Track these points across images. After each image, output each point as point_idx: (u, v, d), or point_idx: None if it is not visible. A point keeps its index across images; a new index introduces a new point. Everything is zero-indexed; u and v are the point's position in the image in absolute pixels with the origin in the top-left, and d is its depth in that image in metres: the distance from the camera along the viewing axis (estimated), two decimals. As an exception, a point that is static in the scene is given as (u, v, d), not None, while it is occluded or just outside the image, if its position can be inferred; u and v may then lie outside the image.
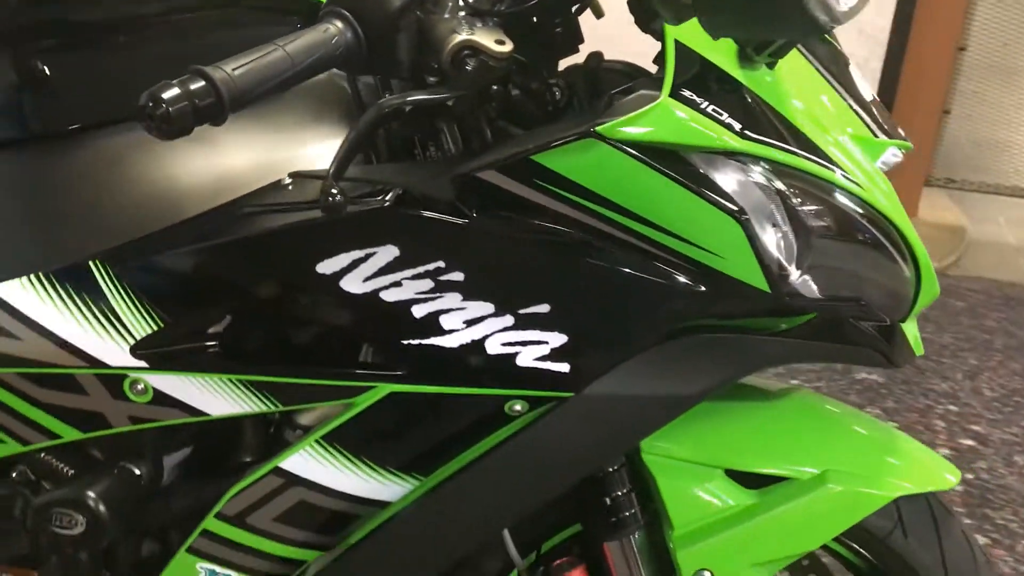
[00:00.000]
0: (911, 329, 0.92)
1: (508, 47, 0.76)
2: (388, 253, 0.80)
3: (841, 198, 0.83)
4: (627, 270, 0.80)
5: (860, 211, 0.83)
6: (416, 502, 0.89)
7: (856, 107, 0.90)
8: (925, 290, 0.88)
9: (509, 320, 0.81)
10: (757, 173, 0.79)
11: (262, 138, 0.92)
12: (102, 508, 0.88)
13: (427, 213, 0.80)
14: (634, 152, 0.76)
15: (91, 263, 0.86)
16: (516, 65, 0.83)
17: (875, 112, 0.91)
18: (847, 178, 0.82)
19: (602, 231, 0.79)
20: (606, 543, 0.94)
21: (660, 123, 0.75)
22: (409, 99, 0.77)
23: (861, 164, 0.85)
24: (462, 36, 0.75)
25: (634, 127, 0.75)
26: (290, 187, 0.89)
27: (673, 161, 0.77)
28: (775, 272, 0.79)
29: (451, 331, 0.81)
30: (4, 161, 0.93)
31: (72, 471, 0.94)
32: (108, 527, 0.88)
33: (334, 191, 0.73)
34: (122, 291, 0.86)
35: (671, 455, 0.91)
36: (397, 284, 0.81)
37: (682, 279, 0.80)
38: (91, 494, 0.88)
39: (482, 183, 0.79)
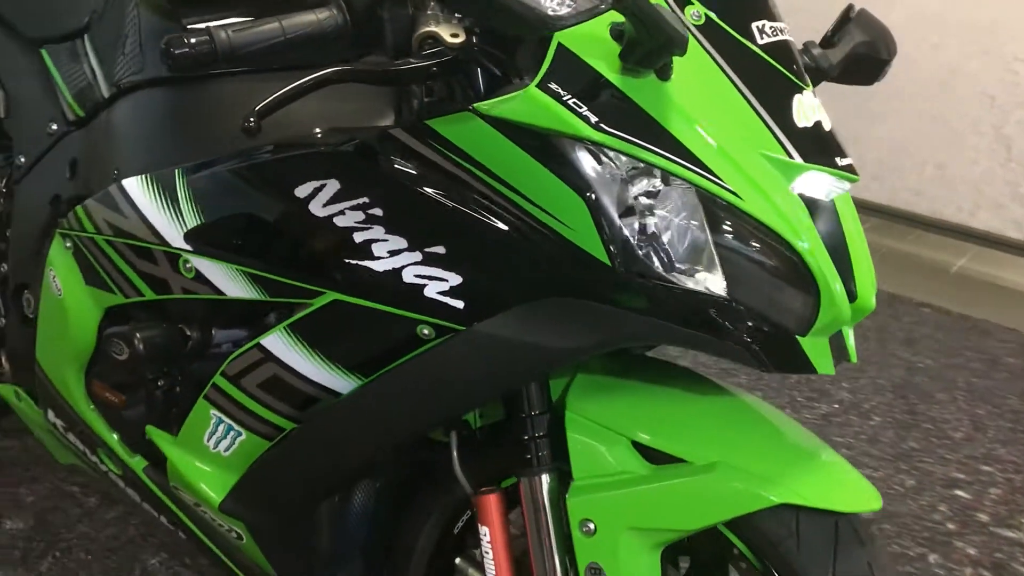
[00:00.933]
0: (838, 339, 1.00)
1: (461, 39, 0.92)
2: (333, 186, 1.02)
3: (702, 199, 0.92)
4: (503, 228, 0.95)
5: (728, 215, 0.92)
6: (355, 394, 1.10)
7: (776, 129, 0.95)
8: (825, 310, 0.93)
9: (418, 256, 0.98)
10: (608, 161, 0.91)
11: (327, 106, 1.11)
12: (140, 345, 1.21)
13: (357, 158, 1.03)
14: (503, 129, 0.92)
15: (176, 171, 1.17)
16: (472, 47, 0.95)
17: (803, 138, 0.96)
18: (716, 183, 0.90)
19: (481, 191, 0.95)
20: (520, 477, 1.07)
21: (524, 107, 0.90)
22: (356, 69, 0.97)
23: (756, 180, 0.92)
24: (427, 28, 0.93)
25: (502, 108, 0.91)
26: (318, 134, 1.09)
27: (535, 140, 0.91)
28: (616, 249, 0.91)
29: (379, 258, 1.00)
30: (144, 95, 1.29)
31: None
32: (142, 359, 1.22)
33: (251, 119, 0.94)
34: (187, 193, 1.16)
35: (587, 415, 1.03)
36: (342, 212, 1.01)
37: (544, 244, 0.93)
38: (137, 334, 1.22)
39: (395, 138, 0.99)
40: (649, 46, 0.85)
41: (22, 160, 1.52)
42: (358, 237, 1.01)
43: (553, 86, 0.90)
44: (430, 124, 0.96)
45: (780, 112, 0.96)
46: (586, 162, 0.91)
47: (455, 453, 1.11)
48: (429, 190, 0.98)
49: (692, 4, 0.97)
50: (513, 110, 0.91)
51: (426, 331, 1.01)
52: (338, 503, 1.29)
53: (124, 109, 1.31)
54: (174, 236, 1.17)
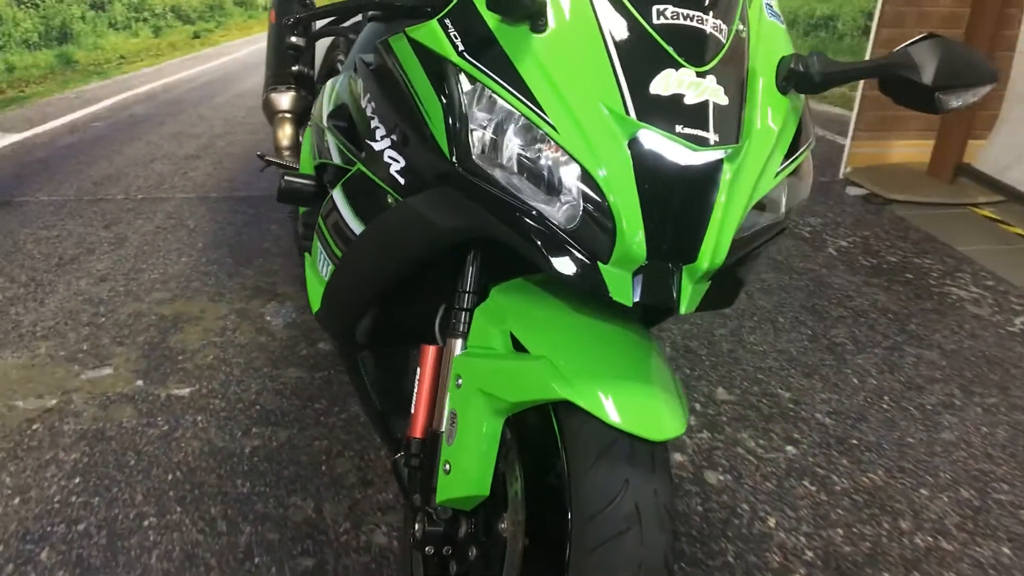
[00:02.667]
0: (664, 281, 1.11)
1: None
2: (367, 86, 1.45)
3: (527, 126, 1.12)
4: (418, 125, 1.24)
5: (546, 144, 1.11)
6: (359, 237, 1.46)
7: (625, 90, 1.09)
8: (619, 243, 1.08)
9: (387, 142, 1.35)
10: (465, 81, 1.15)
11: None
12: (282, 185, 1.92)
13: (360, 57, 1.51)
14: (416, 49, 1.24)
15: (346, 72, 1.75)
16: None
17: (652, 103, 1.09)
18: (539, 115, 1.10)
19: (408, 95, 1.25)
20: (446, 338, 1.33)
21: (425, 33, 1.22)
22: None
23: (580, 121, 1.09)
24: None
25: (415, 33, 1.24)
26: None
27: (429, 59, 1.21)
28: (454, 147, 1.16)
29: (377, 140, 1.38)
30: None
31: None
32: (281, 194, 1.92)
33: (291, 19, 1.60)
34: (334, 88, 1.81)
35: (495, 306, 1.26)
36: (368, 103, 1.43)
37: (428, 137, 1.21)
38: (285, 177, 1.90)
39: (378, 51, 1.38)
40: (506, 3, 1.08)
41: None
42: (372, 123, 1.40)
43: (447, 22, 1.19)
44: (389, 41, 1.32)
45: (639, 77, 1.10)
46: (451, 79, 1.17)
47: (438, 318, 1.44)
48: (390, 91, 1.34)
49: None
50: (420, 35, 1.23)
51: (389, 199, 1.37)
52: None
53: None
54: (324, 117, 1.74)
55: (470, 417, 1.22)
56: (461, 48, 1.16)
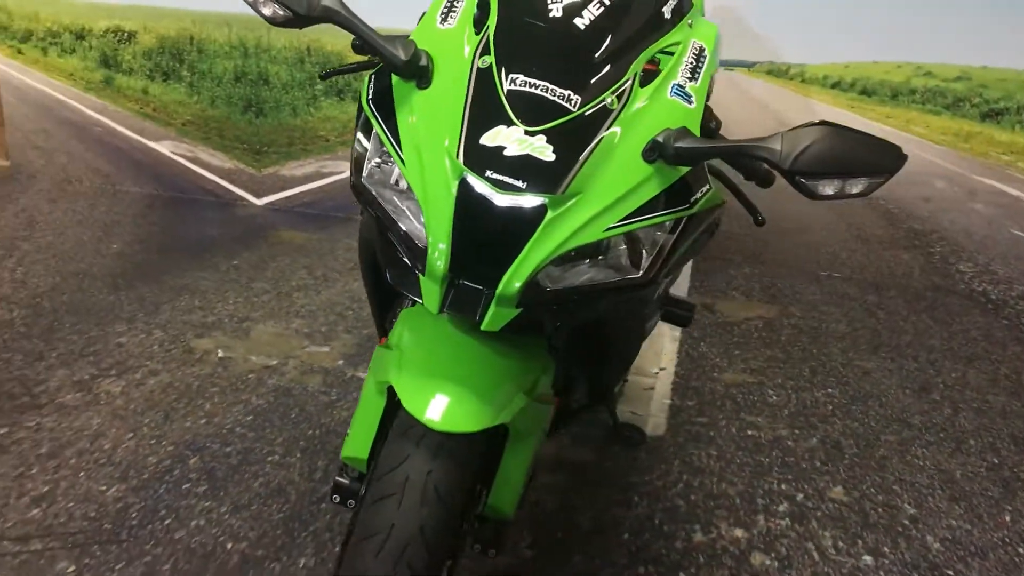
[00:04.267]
0: (473, 298, 1.31)
1: None
2: None
3: (393, 163, 1.39)
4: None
5: (401, 173, 1.37)
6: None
7: (463, 140, 1.31)
8: (428, 259, 1.30)
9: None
10: (369, 121, 1.43)
11: None
12: None
13: None
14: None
15: None
16: None
17: (478, 152, 1.30)
18: (396, 151, 1.36)
19: None
20: None
21: (366, 84, 1.48)
22: None
23: (425, 161, 1.33)
24: None
25: (370, 79, 1.49)
26: None
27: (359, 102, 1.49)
28: (354, 170, 1.42)
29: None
30: None
31: None
32: None
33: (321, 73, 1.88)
34: None
35: (414, 305, 1.55)
36: None
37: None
38: None
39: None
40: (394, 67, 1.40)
41: None
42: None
43: (373, 76, 1.48)
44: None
45: (477, 131, 1.31)
46: (362, 119, 1.46)
47: None
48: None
49: (488, 56, 1.38)
50: (368, 82, 1.48)
51: None
52: None
53: None
54: None
55: (365, 391, 1.49)
56: (369, 96, 1.44)
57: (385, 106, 1.41)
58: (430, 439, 1.34)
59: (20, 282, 3.34)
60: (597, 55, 1.39)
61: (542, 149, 1.30)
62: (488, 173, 1.29)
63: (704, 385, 2.89)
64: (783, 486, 2.37)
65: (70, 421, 2.45)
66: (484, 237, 1.30)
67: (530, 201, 1.29)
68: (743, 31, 3.71)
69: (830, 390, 2.94)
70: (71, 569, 1.91)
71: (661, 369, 2.98)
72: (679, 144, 1.31)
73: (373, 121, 1.41)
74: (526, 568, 2.01)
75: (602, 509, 2.22)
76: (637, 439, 2.53)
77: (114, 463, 2.28)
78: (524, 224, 1.29)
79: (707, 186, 1.40)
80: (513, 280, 1.28)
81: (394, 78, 1.43)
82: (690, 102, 1.41)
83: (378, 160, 1.41)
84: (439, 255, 1.30)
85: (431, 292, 1.33)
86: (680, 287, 3.61)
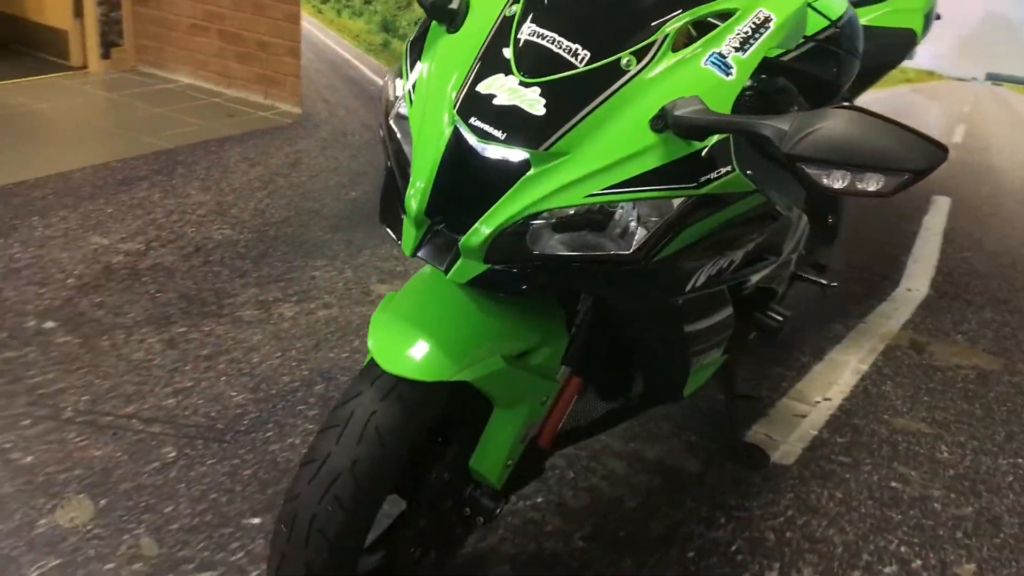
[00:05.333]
0: (446, 247, 1.31)
1: None
2: None
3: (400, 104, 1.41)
4: None
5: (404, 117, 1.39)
6: None
7: (466, 85, 1.31)
8: (406, 198, 1.30)
9: None
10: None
11: None
12: None
13: None
14: None
15: None
16: None
17: (472, 99, 1.30)
18: (408, 92, 1.39)
19: None
20: None
21: None
22: None
23: (428, 102, 1.35)
24: None
25: None
26: None
27: None
28: (382, 105, 1.44)
29: None
30: None
31: None
32: None
33: None
34: None
35: None
36: None
37: None
38: None
39: None
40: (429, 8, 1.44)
41: None
42: None
43: (425, 20, 1.48)
44: None
45: (478, 77, 1.31)
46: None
47: None
48: None
49: (518, 4, 1.37)
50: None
51: None
52: None
53: None
54: None
55: None
56: (410, 38, 1.47)
57: (417, 49, 1.45)
58: (383, 381, 1.36)
59: (260, 211, 3.74)
60: (627, 13, 1.31)
61: (532, 102, 1.26)
62: (472, 120, 1.28)
63: (867, 425, 2.60)
64: (903, 548, 2.08)
65: (236, 332, 2.73)
66: (462, 185, 1.29)
67: (514, 155, 1.25)
68: (1018, 43, 3.22)
69: (1021, 460, 2.52)
70: (172, 455, 2.14)
71: (825, 399, 2.72)
72: (678, 112, 1.21)
73: (402, 61, 1.44)
74: (572, 557, 1.95)
75: (680, 521, 2.09)
76: (757, 462, 2.34)
77: (253, 375, 2.52)
78: (502, 177, 1.26)
79: (727, 168, 1.27)
80: (478, 232, 1.25)
81: (433, 22, 1.45)
82: (728, 74, 1.28)
83: (397, 100, 1.43)
84: (415, 193, 1.30)
85: (408, 234, 1.34)
86: (903, 311, 3.26)
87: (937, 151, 1.09)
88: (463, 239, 1.27)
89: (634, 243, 1.26)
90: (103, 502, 1.96)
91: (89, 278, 2.96)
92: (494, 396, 1.44)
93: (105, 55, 5.56)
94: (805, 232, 1.94)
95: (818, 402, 2.70)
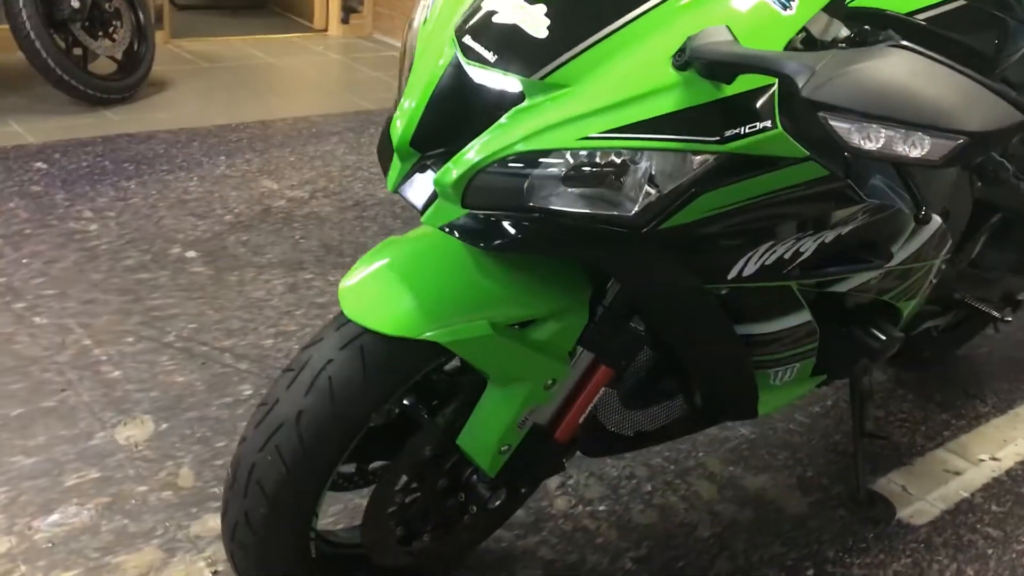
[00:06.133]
0: (425, 188, 1.14)
1: None
2: None
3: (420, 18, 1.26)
4: None
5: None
6: None
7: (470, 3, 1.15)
8: (392, 126, 1.16)
9: None
10: None
11: None
12: None
13: None
14: None
15: None
16: None
17: (471, 11, 1.14)
18: (427, 19, 1.23)
19: None
20: None
21: None
22: None
23: (441, 17, 1.20)
24: None
25: None
26: None
27: None
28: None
29: None
30: None
31: None
32: None
33: None
34: None
35: None
36: None
37: None
38: None
39: None
40: None
41: None
42: None
43: None
44: None
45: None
46: None
47: None
48: None
49: None
50: None
51: None
52: None
53: None
54: None
55: None
56: None
57: None
58: (347, 329, 1.22)
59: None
60: None
61: (535, 22, 1.07)
62: (464, 39, 1.11)
63: (1038, 497, 2.14)
64: (1034, 654, 1.67)
65: (358, 287, 2.70)
66: (452, 114, 1.13)
67: (508, 84, 1.08)
68: None
69: None
70: (247, 392, 2.13)
71: (993, 459, 2.27)
72: (697, 43, 0.98)
73: None
74: (615, 577, 1.73)
75: (757, 563, 1.80)
76: (879, 515, 1.98)
77: (357, 330, 2.47)
78: (491, 107, 1.09)
79: (765, 123, 1.02)
80: (452, 169, 1.08)
81: None
82: (787, 7, 1.04)
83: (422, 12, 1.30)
84: (400, 115, 1.16)
85: (394, 166, 1.20)
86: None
87: (1009, 109, 0.80)
88: (438, 175, 1.10)
89: (637, 204, 1.04)
90: (164, 426, 1.98)
91: (246, 217, 3.05)
92: (484, 369, 1.27)
93: (345, 20, 5.82)
94: (948, 241, 1.56)
95: (982, 460, 2.26)
